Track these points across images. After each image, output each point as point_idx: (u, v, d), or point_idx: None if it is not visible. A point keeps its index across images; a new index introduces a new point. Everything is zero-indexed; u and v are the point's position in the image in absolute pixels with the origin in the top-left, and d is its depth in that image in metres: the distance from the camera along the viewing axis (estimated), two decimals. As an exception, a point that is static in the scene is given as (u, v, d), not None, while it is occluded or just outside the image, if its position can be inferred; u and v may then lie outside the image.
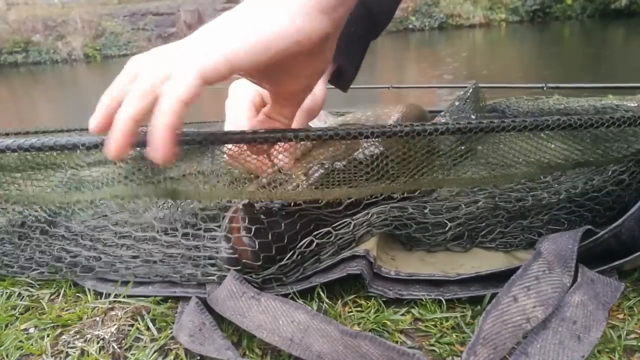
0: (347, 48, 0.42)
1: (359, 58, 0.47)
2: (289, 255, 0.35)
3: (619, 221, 0.32)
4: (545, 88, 0.95)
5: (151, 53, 0.27)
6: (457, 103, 0.73)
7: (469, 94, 0.73)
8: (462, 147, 0.37)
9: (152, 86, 0.24)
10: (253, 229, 0.34)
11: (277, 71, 0.28)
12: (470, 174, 0.37)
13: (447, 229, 0.38)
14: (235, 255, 0.35)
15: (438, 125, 0.32)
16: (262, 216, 0.34)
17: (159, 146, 0.24)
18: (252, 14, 0.26)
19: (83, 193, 0.37)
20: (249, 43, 0.25)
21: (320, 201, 0.35)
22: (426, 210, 0.37)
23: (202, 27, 0.27)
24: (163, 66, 0.25)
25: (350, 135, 0.32)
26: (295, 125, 0.35)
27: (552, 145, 0.38)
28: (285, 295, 0.34)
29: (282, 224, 0.35)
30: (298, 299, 0.34)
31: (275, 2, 0.26)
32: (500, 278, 0.32)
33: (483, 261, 0.37)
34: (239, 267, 0.34)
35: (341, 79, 0.47)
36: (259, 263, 0.34)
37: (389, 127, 0.32)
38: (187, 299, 0.35)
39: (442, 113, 0.74)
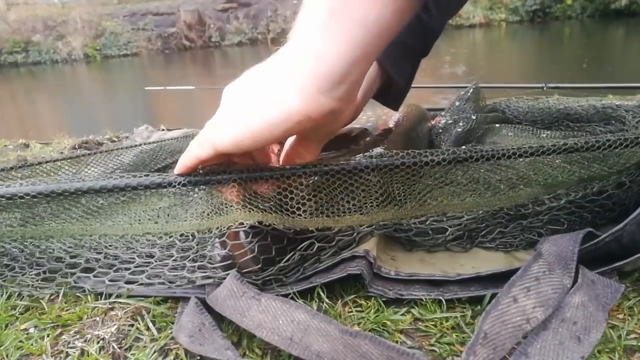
0: (398, 59, 0.42)
1: (409, 72, 0.45)
2: (288, 256, 0.35)
3: (621, 225, 0.32)
4: (545, 88, 0.95)
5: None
6: (457, 103, 0.73)
7: (469, 94, 0.73)
8: (465, 174, 0.37)
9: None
10: (251, 233, 0.34)
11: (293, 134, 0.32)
12: (475, 197, 0.38)
13: (447, 233, 0.38)
14: (231, 261, 0.35)
15: (442, 155, 0.33)
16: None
17: (179, 168, 0.35)
18: (258, 97, 0.29)
19: (112, 227, 0.39)
20: (251, 129, 0.29)
21: (333, 228, 0.36)
22: (427, 222, 0.38)
23: (223, 106, 0.31)
24: (197, 140, 0.33)
25: (357, 169, 0.34)
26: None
27: (554, 165, 0.38)
28: (286, 296, 0.34)
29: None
30: (298, 299, 0.34)
31: (278, 84, 0.28)
32: (500, 278, 0.32)
33: (483, 261, 0.37)
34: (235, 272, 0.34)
35: (391, 94, 0.46)
36: (259, 266, 0.35)
37: (394, 159, 0.34)
38: (187, 299, 0.35)
39: (443, 113, 0.74)
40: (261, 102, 0.28)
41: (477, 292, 0.33)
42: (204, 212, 0.36)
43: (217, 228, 0.35)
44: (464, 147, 0.40)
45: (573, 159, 0.38)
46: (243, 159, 0.36)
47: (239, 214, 0.34)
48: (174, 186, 0.35)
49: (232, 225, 0.34)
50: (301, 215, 0.35)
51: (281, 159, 0.36)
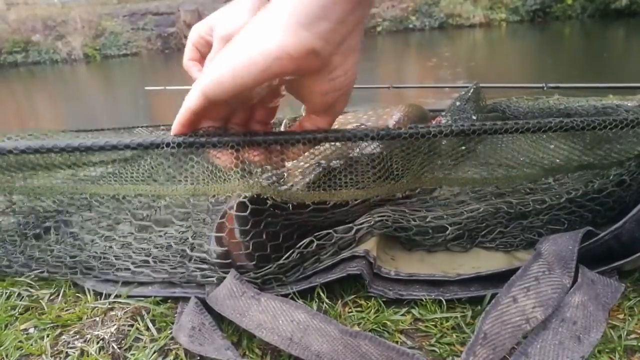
0: None
1: None
2: (287, 254, 0.35)
3: (620, 223, 0.32)
4: (545, 88, 0.95)
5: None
6: (458, 103, 0.73)
7: (469, 94, 0.73)
8: (463, 148, 0.37)
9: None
10: (247, 230, 0.34)
11: (291, 90, 0.31)
12: (472, 174, 0.37)
13: (447, 232, 0.38)
14: (229, 260, 0.35)
15: (441, 128, 0.33)
16: (255, 216, 0.34)
17: (173, 130, 0.33)
18: (243, 36, 0.28)
19: (103, 186, 0.37)
20: (232, 67, 0.28)
21: (327, 203, 0.35)
22: (428, 219, 0.38)
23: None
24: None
25: (360, 137, 0.32)
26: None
27: (552, 146, 0.38)
28: (286, 296, 0.34)
29: (277, 223, 0.35)
30: (298, 299, 0.34)
31: (260, 23, 0.28)
32: (500, 278, 0.32)
33: (483, 261, 0.37)
34: (231, 269, 0.34)
35: None
36: (253, 263, 0.34)
37: (394, 130, 0.33)
38: (186, 299, 0.35)
39: (443, 113, 0.74)
40: (243, 42, 0.28)
41: (477, 292, 0.33)
42: (199, 177, 0.34)
43: (214, 196, 0.34)
44: (466, 122, 0.39)
45: (573, 144, 0.38)
46: (240, 126, 0.34)
47: (236, 184, 0.33)
48: (170, 146, 0.33)
49: (229, 196, 0.33)
50: (297, 188, 0.34)
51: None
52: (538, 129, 0.34)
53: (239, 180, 0.33)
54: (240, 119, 0.34)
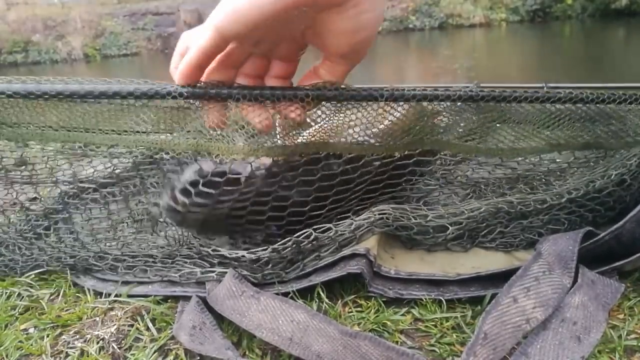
0: None
1: None
2: (284, 241, 0.35)
3: (620, 223, 0.32)
4: (545, 88, 0.95)
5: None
6: (459, 103, 0.73)
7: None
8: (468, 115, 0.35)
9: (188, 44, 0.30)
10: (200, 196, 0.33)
11: (305, 23, 0.28)
12: (476, 142, 0.36)
13: (448, 232, 0.38)
14: (178, 207, 0.34)
15: (449, 92, 0.31)
16: (217, 178, 0.32)
17: (179, 72, 0.30)
18: None
19: (98, 136, 0.34)
20: None
21: (320, 153, 0.33)
22: (429, 218, 0.38)
23: None
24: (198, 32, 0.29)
25: (373, 97, 0.30)
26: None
27: (560, 121, 0.36)
28: (286, 294, 0.34)
29: (237, 191, 0.33)
30: (298, 298, 0.34)
31: None
32: (500, 278, 0.32)
33: (483, 261, 0.37)
34: (178, 220, 0.33)
35: None
36: (196, 229, 0.33)
37: (401, 91, 0.30)
38: (187, 298, 0.35)
39: (444, 113, 0.74)
40: None
41: (477, 292, 0.33)
42: (202, 131, 0.32)
43: (217, 155, 0.32)
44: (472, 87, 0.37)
45: (579, 116, 0.35)
46: (253, 79, 0.31)
47: (241, 148, 0.31)
48: (175, 97, 0.29)
49: (234, 159, 0.31)
50: (299, 138, 0.32)
51: (304, 77, 0.32)
52: (547, 99, 0.33)
53: (243, 144, 0.31)
54: (254, 69, 0.31)
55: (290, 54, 0.31)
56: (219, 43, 0.28)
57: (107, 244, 0.42)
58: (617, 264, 0.32)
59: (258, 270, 0.35)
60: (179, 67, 0.30)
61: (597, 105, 0.34)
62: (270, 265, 0.36)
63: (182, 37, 0.32)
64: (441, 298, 0.33)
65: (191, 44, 0.29)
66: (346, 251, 0.35)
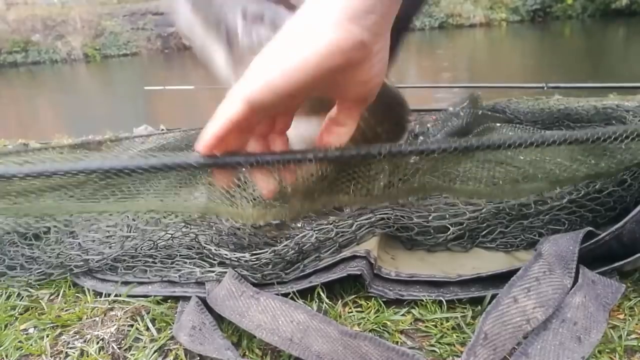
0: None
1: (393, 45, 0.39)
2: (283, 245, 0.34)
3: (621, 223, 0.32)
4: (545, 88, 0.95)
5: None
6: (450, 109, 0.73)
7: (465, 104, 0.73)
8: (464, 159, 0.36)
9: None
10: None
11: (329, 83, 0.29)
12: (476, 186, 0.36)
13: (449, 232, 0.38)
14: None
15: (445, 146, 0.31)
16: None
17: (202, 142, 0.29)
18: (288, 36, 0.28)
19: (113, 204, 0.35)
20: (284, 68, 0.27)
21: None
22: (430, 217, 0.38)
23: (257, 56, 0.29)
24: (225, 100, 0.29)
25: (363, 155, 0.31)
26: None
27: (559, 159, 0.37)
28: (285, 295, 0.34)
29: None
30: (298, 299, 0.34)
31: (308, 21, 0.28)
32: (501, 279, 0.32)
33: (483, 261, 0.37)
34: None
35: None
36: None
37: (403, 147, 0.31)
38: (186, 298, 0.35)
39: (435, 118, 0.75)
40: (292, 41, 0.27)
41: (478, 292, 0.33)
42: (211, 197, 0.33)
43: (227, 220, 0.33)
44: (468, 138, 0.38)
45: (576, 156, 0.37)
46: (261, 139, 0.31)
47: (250, 213, 0.31)
48: (196, 168, 0.29)
49: (245, 224, 0.32)
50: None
51: (320, 135, 0.33)
52: (542, 142, 0.32)
53: (252, 208, 0.32)
54: (263, 129, 0.31)
55: (293, 108, 0.32)
56: (248, 116, 0.28)
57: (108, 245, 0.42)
58: (617, 264, 0.32)
59: (258, 270, 0.35)
60: (203, 137, 0.29)
61: (594, 143, 0.33)
62: (270, 265, 0.36)
63: None
64: (441, 299, 0.33)
65: (217, 113, 0.29)
66: (346, 252, 0.35)
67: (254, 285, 0.34)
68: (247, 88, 0.27)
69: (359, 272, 0.33)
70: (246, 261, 0.36)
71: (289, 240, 0.36)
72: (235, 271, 0.35)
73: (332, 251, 0.36)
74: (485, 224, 0.39)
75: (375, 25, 0.28)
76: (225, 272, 0.35)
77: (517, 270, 0.30)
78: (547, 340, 0.25)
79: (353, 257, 0.35)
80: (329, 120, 0.33)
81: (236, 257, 0.36)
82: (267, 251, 0.35)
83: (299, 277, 0.35)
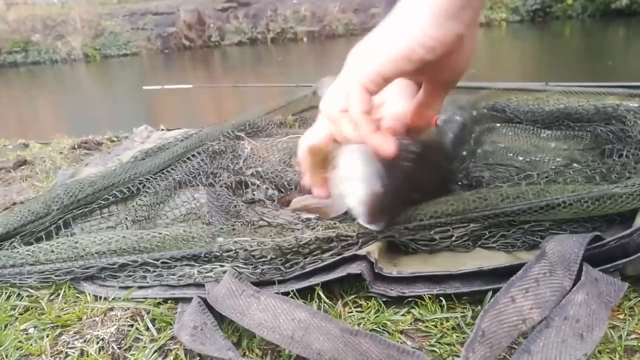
0: None
1: None
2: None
3: (627, 232, 0.32)
4: (546, 87, 0.95)
5: (331, 90, 0.35)
6: (442, 117, 0.73)
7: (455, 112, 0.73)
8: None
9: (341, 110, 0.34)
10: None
11: (426, 69, 0.33)
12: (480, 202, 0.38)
13: (452, 238, 0.38)
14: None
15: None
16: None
17: (377, 144, 0.33)
18: (393, 29, 0.33)
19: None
20: (393, 54, 0.32)
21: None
22: (432, 232, 0.38)
23: (359, 45, 0.34)
24: (340, 92, 0.34)
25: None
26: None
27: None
28: (285, 294, 0.34)
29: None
30: (298, 299, 0.34)
31: (409, 17, 0.32)
32: (502, 275, 0.32)
33: (485, 260, 0.37)
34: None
35: None
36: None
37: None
38: (186, 299, 0.35)
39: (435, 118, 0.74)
40: (398, 33, 0.32)
41: (479, 287, 0.33)
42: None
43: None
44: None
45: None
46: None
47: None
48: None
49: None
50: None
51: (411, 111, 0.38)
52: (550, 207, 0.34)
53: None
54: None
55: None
56: (363, 95, 0.33)
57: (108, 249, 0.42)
58: (619, 262, 0.32)
59: (257, 265, 0.35)
60: (368, 136, 0.33)
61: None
62: (269, 259, 0.36)
63: (321, 117, 0.36)
64: (444, 292, 0.33)
65: (349, 107, 0.33)
66: (347, 254, 0.35)
67: (254, 284, 0.34)
68: (360, 72, 0.32)
69: (358, 272, 0.33)
70: (245, 250, 0.35)
71: (290, 236, 0.36)
72: (235, 270, 0.35)
73: (333, 253, 0.36)
74: (487, 230, 0.39)
75: (469, 19, 0.32)
76: (224, 272, 0.35)
77: (519, 265, 0.30)
78: (550, 338, 0.25)
79: (354, 258, 0.35)
80: (418, 104, 0.37)
81: (234, 250, 0.36)
82: (268, 244, 0.35)
83: (299, 275, 0.35)
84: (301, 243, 0.36)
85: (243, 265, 0.36)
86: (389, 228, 0.37)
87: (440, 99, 0.38)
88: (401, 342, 0.31)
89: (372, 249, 0.36)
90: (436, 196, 0.41)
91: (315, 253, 0.37)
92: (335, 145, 0.37)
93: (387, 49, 0.32)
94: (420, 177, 0.39)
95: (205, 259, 0.38)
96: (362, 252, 0.35)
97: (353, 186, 0.37)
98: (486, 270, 0.33)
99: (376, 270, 0.35)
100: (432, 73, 0.35)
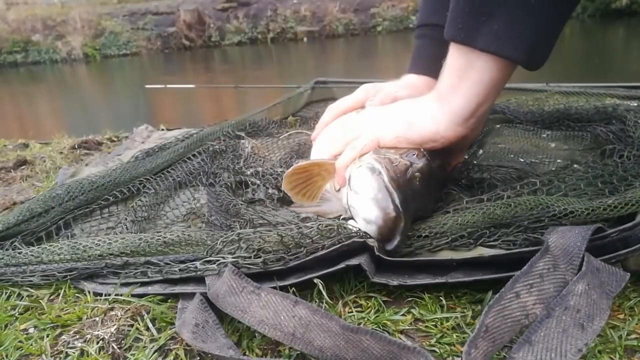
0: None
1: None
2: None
3: (629, 224, 0.32)
4: (546, 87, 0.95)
5: (341, 122, 0.52)
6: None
7: None
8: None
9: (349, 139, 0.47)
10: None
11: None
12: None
13: (449, 239, 0.38)
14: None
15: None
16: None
17: (340, 170, 0.45)
18: (414, 118, 0.44)
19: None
20: (409, 136, 0.44)
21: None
22: (430, 240, 0.38)
23: (380, 112, 0.48)
24: (354, 128, 0.48)
25: None
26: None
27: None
28: (285, 289, 0.34)
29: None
30: (299, 298, 0.34)
31: (431, 116, 0.43)
32: (502, 266, 0.32)
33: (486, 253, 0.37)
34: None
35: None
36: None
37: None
38: (187, 295, 0.35)
39: None
40: (417, 123, 0.44)
41: (481, 277, 0.33)
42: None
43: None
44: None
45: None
46: None
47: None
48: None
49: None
50: None
51: None
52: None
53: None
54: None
55: None
56: (372, 149, 0.44)
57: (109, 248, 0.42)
58: (621, 252, 0.32)
59: (260, 255, 0.35)
60: (341, 163, 0.44)
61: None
62: (271, 250, 0.36)
63: (329, 109, 0.55)
64: (445, 282, 0.33)
65: (352, 146, 0.44)
66: (346, 241, 0.35)
67: (255, 276, 0.34)
68: (381, 134, 0.44)
69: (357, 263, 0.33)
70: (248, 241, 0.36)
71: (292, 224, 0.36)
72: (235, 266, 0.34)
73: (333, 242, 0.36)
74: (487, 231, 0.39)
75: (474, 124, 0.43)
76: (225, 264, 0.35)
77: (519, 255, 0.30)
78: (551, 328, 0.25)
79: (352, 252, 0.35)
80: None
81: (235, 239, 0.36)
82: (271, 231, 0.36)
83: (299, 268, 0.35)
84: (304, 232, 0.36)
85: (245, 256, 0.36)
86: (401, 247, 0.37)
87: (452, 164, 0.50)
88: (401, 342, 0.31)
89: (372, 240, 0.36)
90: (436, 205, 0.44)
91: (316, 243, 0.36)
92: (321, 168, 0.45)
93: (408, 132, 0.43)
94: (427, 193, 0.42)
95: (207, 255, 0.38)
96: (359, 239, 0.35)
97: (366, 206, 0.37)
98: (487, 257, 0.33)
99: (377, 253, 0.35)
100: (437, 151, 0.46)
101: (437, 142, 0.43)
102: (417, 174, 0.41)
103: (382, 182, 0.37)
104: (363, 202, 0.37)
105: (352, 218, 0.40)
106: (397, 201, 0.36)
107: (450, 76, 0.42)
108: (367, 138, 0.44)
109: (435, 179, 0.44)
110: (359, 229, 0.37)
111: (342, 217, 0.43)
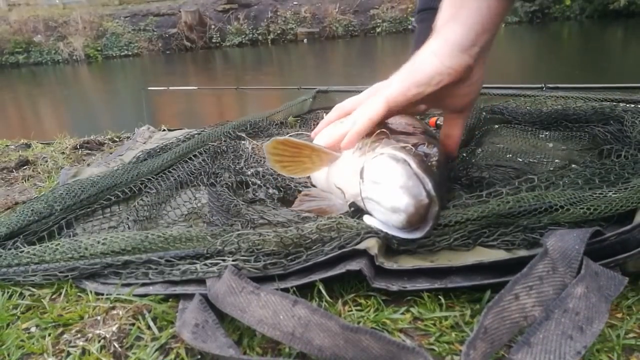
0: None
1: None
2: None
3: (628, 227, 0.32)
4: (544, 88, 0.95)
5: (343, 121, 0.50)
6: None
7: None
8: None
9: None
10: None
11: (443, 94, 0.43)
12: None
13: (450, 240, 0.38)
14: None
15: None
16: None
17: (348, 142, 0.43)
18: (419, 61, 0.42)
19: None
20: (415, 80, 0.42)
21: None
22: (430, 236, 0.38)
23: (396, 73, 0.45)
24: (365, 105, 0.45)
25: None
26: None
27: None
28: (285, 290, 0.34)
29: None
30: (298, 297, 0.34)
31: (432, 51, 0.42)
32: (501, 271, 0.32)
33: (485, 256, 0.37)
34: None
35: None
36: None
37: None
38: (187, 296, 0.35)
39: (436, 119, 0.75)
40: (421, 63, 0.42)
41: (480, 281, 0.33)
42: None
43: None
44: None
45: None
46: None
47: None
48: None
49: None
50: None
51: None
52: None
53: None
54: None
55: (410, 112, 0.51)
56: (384, 114, 0.42)
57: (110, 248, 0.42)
58: (620, 256, 0.32)
59: (260, 258, 0.36)
60: (351, 138, 0.42)
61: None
62: (271, 252, 0.36)
63: (336, 108, 0.53)
64: (445, 287, 0.33)
65: (360, 116, 0.42)
66: (347, 248, 0.35)
67: (255, 280, 0.34)
68: (388, 92, 0.42)
69: (358, 268, 0.34)
70: (248, 243, 0.36)
71: (292, 226, 0.36)
72: (236, 267, 0.35)
73: (335, 246, 0.36)
74: (487, 229, 0.39)
75: (477, 53, 0.42)
76: (225, 266, 0.35)
77: (518, 260, 0.30)
78: (550, 330, 0.25)
79: (353, 256, 0.35)
80: (442, 135, 0.47)
81: (238, 239, 0.36)
82: (270, 234, 0.36)
83: (300, 271, 0.35)
84: (303, 233, 0.36)
85: (246, 258, 0.36)
86: (431, 232, 0.36)
87: (458, 127, 0.47)
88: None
89: (372, 244, 0.36)
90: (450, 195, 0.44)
91: (316, 245, 0.37)
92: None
93: (413, 75, 0.42)
94: (444, 182, 0.43)
95: (208, 255, 0.38)
96: (361, 246, 0.35)
97: (394, 195, 0.36)
98: (486, 263, 0.33)
99: (377, 263, 0.35)
100: (446, 100, 0.43)
101: (443, 74, 0.41)
102: (434, 161, 0.40)
103: (409, 169, 0.37)
104: (389, 191, 0.36)
105: (358, 213, 0.40)
106: (429, 186, 0.35)
107: (449, 8, 0.42)
108: (376, 98, 0.42)
109: (446, 169, 0.44)
110: (374, 226, 0.37)
111: (347, 212, 0.42)
